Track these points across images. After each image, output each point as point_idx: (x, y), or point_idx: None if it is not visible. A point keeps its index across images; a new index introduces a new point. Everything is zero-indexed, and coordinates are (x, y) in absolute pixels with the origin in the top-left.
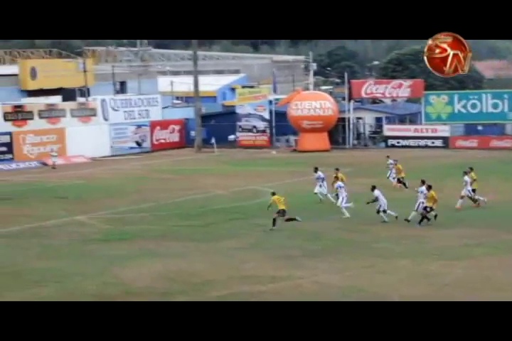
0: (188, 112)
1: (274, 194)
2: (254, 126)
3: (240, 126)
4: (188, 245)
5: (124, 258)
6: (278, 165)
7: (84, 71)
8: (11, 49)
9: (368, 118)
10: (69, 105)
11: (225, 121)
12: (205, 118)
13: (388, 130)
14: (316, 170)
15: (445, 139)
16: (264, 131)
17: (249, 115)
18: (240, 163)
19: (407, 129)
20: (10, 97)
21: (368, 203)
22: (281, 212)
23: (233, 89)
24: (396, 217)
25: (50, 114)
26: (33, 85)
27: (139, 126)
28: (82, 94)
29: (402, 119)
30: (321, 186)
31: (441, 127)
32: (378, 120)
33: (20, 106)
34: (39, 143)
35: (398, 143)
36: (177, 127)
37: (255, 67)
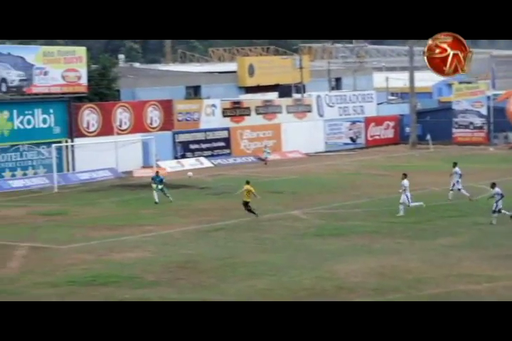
0: (403, 108)
1: (247, 183)
2: (471, 123)
3: (456, 123)
4: (401, 242)
5: (337, 253)
6: (495, 162)
7: (301, 68)
8: (231, 47)
9: None
10: (285, 101)
11: (440, 117)
12: (421, 114)
13: None
14: (454, 164)
15: None
16: (481, 128)
17: (466, 111)
18: (456, 160)
19: None
20: (228, 94)
21: (488, 199)
22: (244, 204)
23: (450, 85)
24: (511, 217)
25: (266, 110)
26: (250, 82)
27: (353, 122)
28: (298, 91)
29: None
30: (458, 182)
31: None
32: None
33: (238, 103)
34: (255, 138)
35: None
36: (392, 123)
37: (473, 63)
